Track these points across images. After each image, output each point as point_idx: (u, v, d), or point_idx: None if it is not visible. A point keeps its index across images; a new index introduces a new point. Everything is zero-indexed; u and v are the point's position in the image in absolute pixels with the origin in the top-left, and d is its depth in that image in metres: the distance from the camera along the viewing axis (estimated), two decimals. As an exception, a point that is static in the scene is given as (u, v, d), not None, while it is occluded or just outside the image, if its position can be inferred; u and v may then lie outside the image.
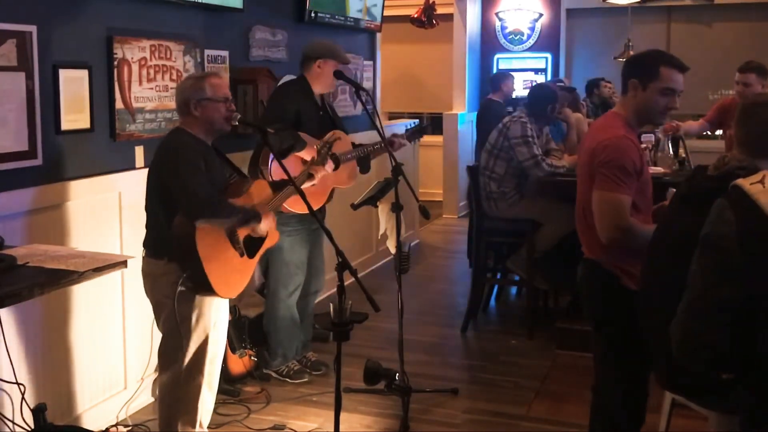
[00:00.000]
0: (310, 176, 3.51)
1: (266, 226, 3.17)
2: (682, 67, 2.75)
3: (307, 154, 3.73)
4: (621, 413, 2.79)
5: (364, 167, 4.25)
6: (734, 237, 1.93)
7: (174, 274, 2.96)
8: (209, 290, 2.99)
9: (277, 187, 3.35)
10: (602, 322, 2.81)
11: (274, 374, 4.15)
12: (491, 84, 7.40)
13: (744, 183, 1.98)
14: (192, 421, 3.12)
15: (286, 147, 3.74)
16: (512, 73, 7.74)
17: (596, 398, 2.90)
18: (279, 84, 4.38)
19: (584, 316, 2.94)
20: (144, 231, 3.14)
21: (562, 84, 6.53)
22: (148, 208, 3.11)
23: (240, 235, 3.11)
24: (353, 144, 4.12)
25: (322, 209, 4.11)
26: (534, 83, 7.71)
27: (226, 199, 3.05)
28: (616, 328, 2.74)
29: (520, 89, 8.36)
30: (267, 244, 3.28)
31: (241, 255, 3.12)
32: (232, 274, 3.08)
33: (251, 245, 3.18)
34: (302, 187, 3.28)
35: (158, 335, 3.12)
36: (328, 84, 4.07)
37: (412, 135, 4.29)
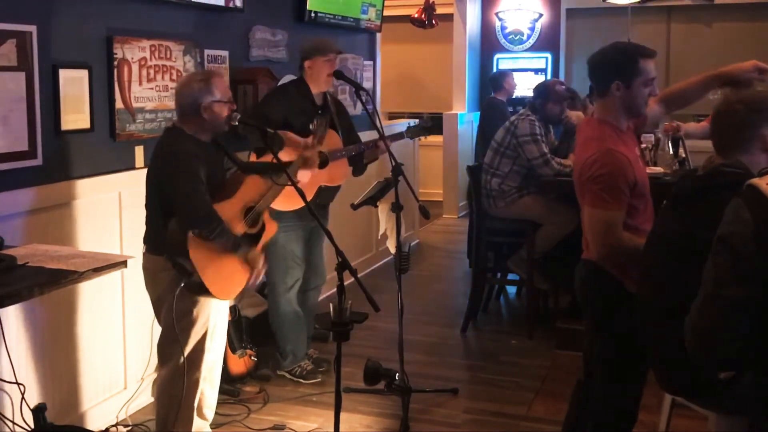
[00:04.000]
0: (305, 161, 3.48)
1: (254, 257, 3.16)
2: (653, 53, 2.75)
3: (286, 155, 3.59)
4: (610, 413, 2.80)
5: (358, 169, 4.19)
6: (751, 237, 1.92)
7: (173, 270, 2.97)
8: (207, 293, 3.00)
9: (266, 170, 3.27)
10: (603, 323, 2.81)
11: (288, 375, 4.14)
12: (493, 83, 7.37)
13: (759, 182, 1.97)
14: (188, 417, 3.12)
15: (260, 147, 3.71)
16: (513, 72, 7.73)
17: (578, 391, 2.95)
18: (277, 85, 4.34)
19: (583, 315, 2.95)
20: (144, 226, 3.15)
21: (564, 86, 6.50)
22: (148, 205, 3.11)
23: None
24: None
25: (326, 211, 4.10)
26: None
27: (219, 204, 3.02)
28: (617, 330, 2.74)
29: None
30: (265, 237, 3.25)
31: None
32: (229, 275, 3.07)
33: (248, 239, 3.17)
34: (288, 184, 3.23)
35: (158, 334, 3.13)
36: (321, 82, 3.97)
37: (415, 133, 4.22)
